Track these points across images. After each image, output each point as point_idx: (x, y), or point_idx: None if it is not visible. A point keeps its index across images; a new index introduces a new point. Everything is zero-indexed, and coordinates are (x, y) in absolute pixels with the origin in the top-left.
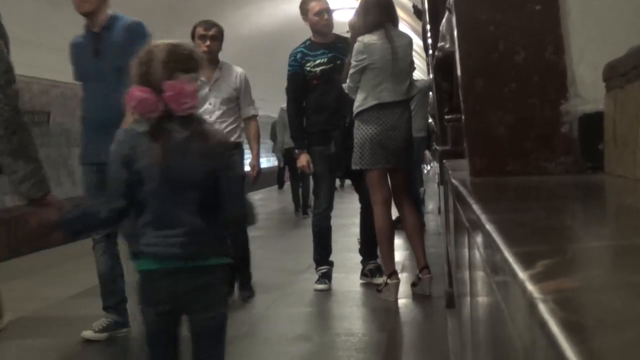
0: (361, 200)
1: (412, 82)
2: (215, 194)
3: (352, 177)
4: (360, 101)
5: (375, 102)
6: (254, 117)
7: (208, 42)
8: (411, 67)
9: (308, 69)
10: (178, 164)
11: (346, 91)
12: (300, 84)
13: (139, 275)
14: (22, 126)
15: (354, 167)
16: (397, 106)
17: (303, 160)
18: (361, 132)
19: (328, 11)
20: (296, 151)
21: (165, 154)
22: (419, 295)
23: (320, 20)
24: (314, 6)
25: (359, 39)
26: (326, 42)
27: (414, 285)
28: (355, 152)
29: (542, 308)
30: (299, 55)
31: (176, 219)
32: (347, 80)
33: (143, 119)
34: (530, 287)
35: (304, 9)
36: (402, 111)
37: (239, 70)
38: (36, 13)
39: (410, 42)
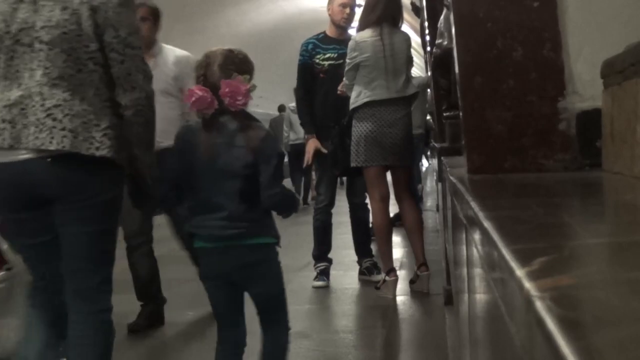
0: (352, 198)
1: (409, 80)
2: (256, 183)
3: (349, 174)
4: (354, 98)
5: (368, 99)
6: None
7: None
8: (408, 64)
9: (317, 61)
10: (223, 155)
11: (344, 89)
12: (307, 75)
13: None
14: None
15: (352, 164)
16: (393, 103)
17: (311, 145)
18: (357, 129)
19: (352, 7)
20: (305, 136)
21: (214, 146)
22: (417, 292)
23: (342, 11)
24: None
25: (352, 36)
26: (340, 38)
27: (412, 282)
28: (352, 149)
29: (539, 305)
30: (310, 46)
31: (217, 204)
32: (344, 78)
33: (199, 115)
34: (527, 284)
35: None
36: (398, 108)
37: (179, 54)
38: None
39: (407, 39)
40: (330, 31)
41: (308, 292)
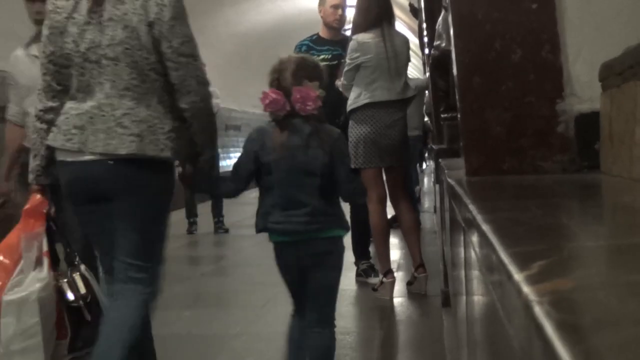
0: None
1: (407, 82)
2: (331, 179)
3: None
4: (353, 99)
5: (368, 100)
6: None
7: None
8: (407, 66)
9: None
10: (301, 155)
11: (340, 89)
12: None
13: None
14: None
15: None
16: (392, 105)
17: None
18: (355, 131)
19: (343, 8)
20: None
21: (290, 147)
22: (415, 294)
23: (334, 12)
24: None
25: (354, 37)
26: (333, 39)
27: (409, 283)
28: (350, 151)
29: (538, 310)
30: (304, 48)
31: (300, 201)
32: (342, 78)
33: (272, 116)
34: (525, 288)
35: None
36: (396, 110)
37: None
38: None
39: (406, 41)
40: (324, 32)
41: None
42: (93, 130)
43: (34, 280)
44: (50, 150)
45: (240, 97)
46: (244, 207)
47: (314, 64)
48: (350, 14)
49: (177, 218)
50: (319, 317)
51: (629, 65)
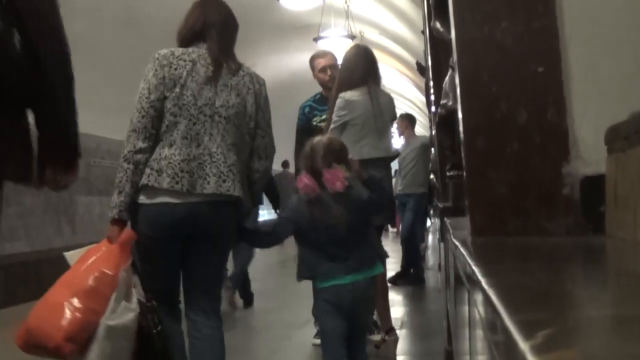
0: None
1: (391, 140)
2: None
3: None
4: None
5: (356, 158)
6: None
7: None
8: (392, 124)
9: (314, 123)
10: (327, 221)
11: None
12: (306, 138)
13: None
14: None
15: None
16: (378, 163)
17: None
18: None
19: (333, 67)
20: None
21: (322, 215)
22: (418, 352)
23: (324, 76)
24: (320, 62)
25: (341, 95)
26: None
27: (377, 347)
28: None
29: None
30: (307, 109)
31: (339, 254)
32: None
33: (306, 196)
34: (531, 359)
35: (312, 64)
36: (382, 168)
37: None
38: None
39: (391, 99)
40: (325, 92)
41: (308, 349)
42: (202, 174)
43: (127, 310)
44: (136, 189)
45: None
46: None
47: (339, 147)
48: None
49: None
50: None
51: (634, 129)
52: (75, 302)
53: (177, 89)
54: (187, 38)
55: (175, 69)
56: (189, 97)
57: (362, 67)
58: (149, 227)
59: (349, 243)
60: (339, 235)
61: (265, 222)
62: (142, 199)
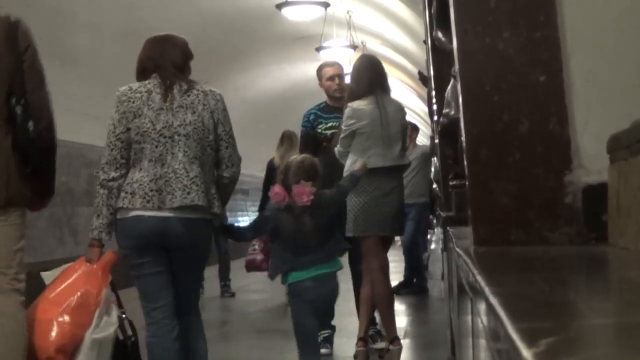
0: (354, 266)
1: (404, 149)
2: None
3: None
4: (349, 165)
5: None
6: None
7: None
8: (403, 132)
9: (319, 131)
10: (298, 229)
11: (337, 156)
12: (311, 145)
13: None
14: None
15: (348, 234)
16: (388, 172)
17: None
18: (353, 199)
19: (340, 77)
20: None
21: (292, 224)
22: None
23: (332, 84)
24: (327, 71)
25: (349, 104)
26: (340, 106)
27: (381, 357)
28: (349, 219)
29: None
30: (312, 117)
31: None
32: (338, 145)
33: (276, 205)
34: None
35: (319, 73)
36: (393, 178)
37: None
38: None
39: (401, 108)
40: (330, 100)
41: None
42: (170, 190)
43: (109, 324)
44: (113, 211)
45: (248, 162)
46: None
47: (310, 166)
48: (348, 80)
49: None
50: None
51: (636, 138)
52: (65, 317)
53: (137, 120)
54: (142, 74)
55: (133, 102)
56: (148, 124)
57: (367, 76)
58: (126, 238)
59: (315, 244)
60: (307, 238)
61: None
62: (119, 216)
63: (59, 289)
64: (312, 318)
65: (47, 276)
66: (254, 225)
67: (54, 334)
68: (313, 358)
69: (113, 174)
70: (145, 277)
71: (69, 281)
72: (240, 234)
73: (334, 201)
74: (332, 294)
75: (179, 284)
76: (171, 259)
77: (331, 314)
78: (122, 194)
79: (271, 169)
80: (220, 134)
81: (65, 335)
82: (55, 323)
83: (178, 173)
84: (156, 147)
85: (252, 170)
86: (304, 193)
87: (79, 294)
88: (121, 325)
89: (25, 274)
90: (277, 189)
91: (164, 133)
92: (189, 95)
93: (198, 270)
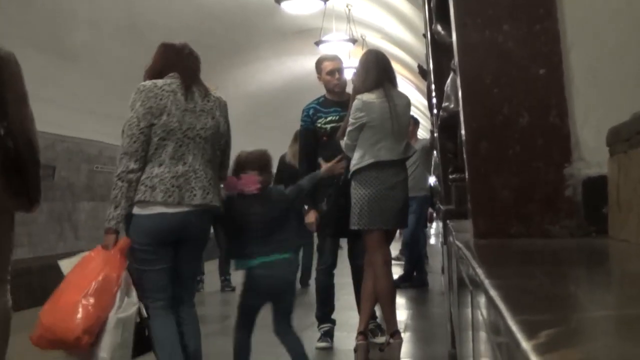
0: (354, 260)
1: (409, 142)
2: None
3: (345, 236)
4: (357, 159)
5: (373, 160)
6: None
7: None
8: (408, 127)
9: (319, 125)
10: (248, 214)
11: (343, 149)
12: (310, 140)
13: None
14: None
15: (352, 227)
16: (395, 165)
17: (312, 217)
18: (359, 192)
19: (340, 71)
20: (305, 207)
21: (245, 211)
22: (422, 355)
23: (332, 79)
24: (327, 65)
25: (358, 97)
26: (339, 100)
27: (381, 350)
28: (354, 212)
29: None
30: (311, 111)
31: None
32: (345, 138)
33: (228, 193)
34: (534, 358)
35: (318, 67)
36: (399, 171)
37: None
38: (43, 69)
39: (408, 102)
40: (329, 95)
41: (311, 353)
42: (189, 188)
43: (130, 304)
44: (130, 203)
45: None
46: None
47: (258, 158)
48: (348, 75)
49: None
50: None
51: (636, 131)
52: (89, 300)
53: (164, 117)
54: (157, 74)
55: (161, 99)
56: (175, 123)
57: (373, 71)
58: (146, 235)
59: (264, 234)
60: (256, 227)
61: None
62: (138, 211)
63: (82, 274)
64: (257, 301)
65: (64, 264)
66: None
67: (79, 316)
68: (244, 333)
69: (133, 166)
70: (156, 272)
71: (90, 266)
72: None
73: (284, 196)
74: (284, 280)
75: (182, 274)
76: (179, 250)
77: (288, 301)
78: (142, 188)
79: (283, 165)
80: (227, 139)
81: (91, 316)
82: (80, 306)
83: (198, 173)
84: (180, 146)
85: None
86: (251, 181)
87: (100, 277)
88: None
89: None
90: (228, 179)
91: (188, 134)
92: (208, 101)
93: (200, 258)
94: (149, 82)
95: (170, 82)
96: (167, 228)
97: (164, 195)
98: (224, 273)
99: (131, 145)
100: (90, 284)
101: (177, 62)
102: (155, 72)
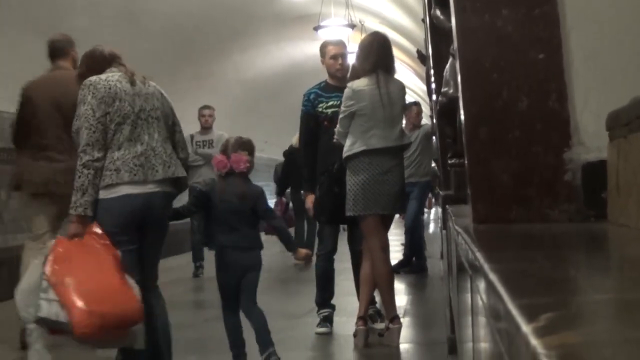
0: (353, 246)
1: (403, 129)
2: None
3: (342, 222)
4: (348, 146)
5: (364, 147)
6: None
7: None
8: (402, 113)
9: (320, 109)
10: (231, 198)
11: (336, 136)
12: (311, 125)
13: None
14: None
15: (348, 213)
16: (388, 152)
17: (310, 201)
18: (352, 179)
19: (343, 56)
20: (302, 192)
21: (226, 192)
22: (421, 340)
23: (334, 63)
24: (331, 49)
25: (348, 85)
26: (341, 86)
27: (380, 335)
28: (349, 198)
29: None
30: (312, 96)
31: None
32: (337, 126)
33: (218, 172)
34: (533, 341)
35: (322, 50)
36: (393, 157)
37: None
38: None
39: (402, 87)
40: (331, 79)
41: (311, 338)
42: (150, 165)
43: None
44: (97, 189)
45: None
46: None
47: (247, 141)
48: (351, 60)
49: (184, 261)
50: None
51: (635, 115)
52: (122, 274)
53: (117, 102)
54: (97, 67)
55: (110, 88)
56: (127, 107)
57: (374, 54)
58: (116, 217)
59: (236, 223)
60: (231, 213)
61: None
62: (104, 195)
63: (87, 259)
64: (229, 279)
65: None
66: (195, 199)
67: (130, 292)
68: (229, 314)
69: (97, 155)
70: (128, 252)
71: (95, 255)
72: (188, 210)
73: (260, 201)
74: (249, 255)
75: (147, 259)
76: (145, 234)
77: (254, 276)
78: (107, 173)
79: (291, 153)
80: (174, 120)
81: (134, 290)
82: (124, 283)
83: (157, 150)
84: (135, 128)
85: None
86: (241, 160)
87: (112, 256)
88: None
89: None
90: (219, 157)
91: (141, 116)
92: (149, 86)
93: (162, 244)
94: (93, 77)
95: (112, 74)
96: (133, 209)
97: (130, 174)
98: (198, 259)
99: (91, 135)
100: (110, 263)
101: (110, 57)
102: (91, 68)
